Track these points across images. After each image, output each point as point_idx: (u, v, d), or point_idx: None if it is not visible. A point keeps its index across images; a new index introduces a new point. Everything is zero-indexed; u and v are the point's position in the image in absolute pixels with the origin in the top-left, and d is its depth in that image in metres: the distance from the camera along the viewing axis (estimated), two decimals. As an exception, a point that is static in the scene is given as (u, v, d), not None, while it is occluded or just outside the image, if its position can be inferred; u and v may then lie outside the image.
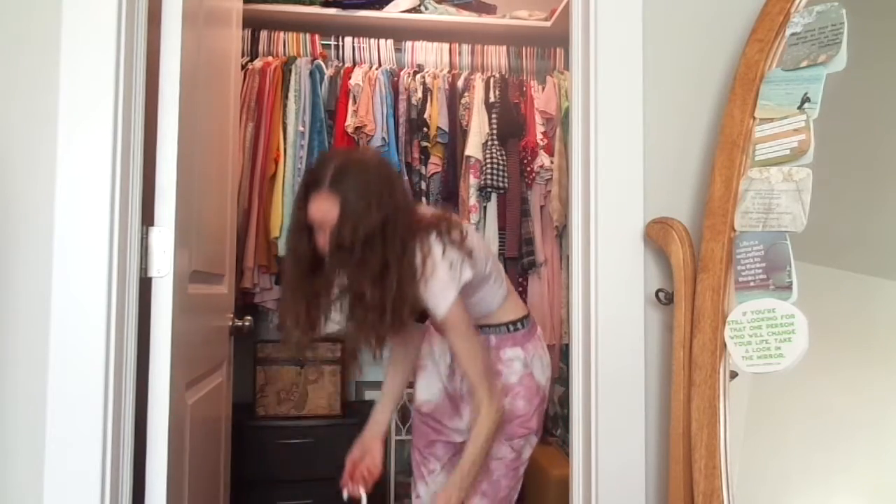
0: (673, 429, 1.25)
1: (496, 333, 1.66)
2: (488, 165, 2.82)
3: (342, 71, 2.84)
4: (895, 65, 1.29)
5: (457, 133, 2.87)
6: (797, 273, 1.14)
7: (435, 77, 2.91)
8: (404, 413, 2.75)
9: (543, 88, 3.00)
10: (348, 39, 2.93)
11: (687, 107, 1.43)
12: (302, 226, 1.49)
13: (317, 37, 2.94)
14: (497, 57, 3.04)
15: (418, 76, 2.89)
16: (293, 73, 2.81)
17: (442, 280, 1.45)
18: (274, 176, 2.76)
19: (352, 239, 1.40)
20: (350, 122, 2.74)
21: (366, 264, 1.41)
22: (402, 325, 1.46)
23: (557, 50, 3.04)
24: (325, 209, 1.42)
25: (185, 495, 1.60)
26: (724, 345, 1.20)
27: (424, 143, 2.85)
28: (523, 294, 2.87)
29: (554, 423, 2.92)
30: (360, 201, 1.41)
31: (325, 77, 2.83)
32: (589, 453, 1.39)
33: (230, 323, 2.04)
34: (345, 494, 1.64)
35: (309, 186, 1.46)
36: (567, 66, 2.53)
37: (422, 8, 2.95)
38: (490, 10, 3.10)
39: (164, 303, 1.42)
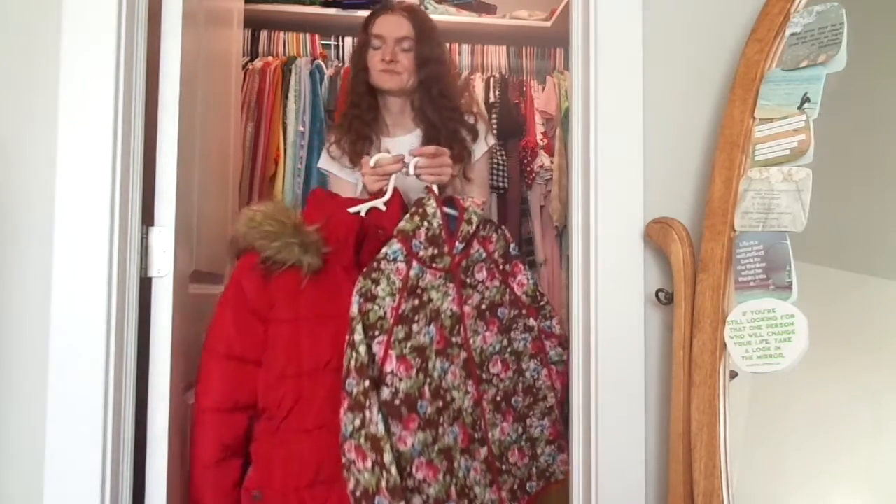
0: (673, 429, 1.25)
1: None
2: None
3: (342, 71, 2.85)
4: (895, 64, 1.29)
5: (457, 133, 2.87)
6: (797, 273, 1.14)
7: (435, 77, 2.90)
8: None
9: (543, 88, 3.01)
10: (348, 39, 2.93)
11: (687, 106, 1.43)
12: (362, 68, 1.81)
13: (317, 37, 2.94)
14: (497, 57, 3.05)
15: (418, 76, 2.89)
16: (293, 73, 2.81)
17: None
18: (274, 176, 2.76)
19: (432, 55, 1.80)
20: (350, 122, 2.74)
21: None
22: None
23: (557, 50, 3.05)
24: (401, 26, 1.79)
25: (185, 496, 1.60)
26: (724, 345, 1.20)
27: (424, 143, 2.85)
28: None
29: (554, 423, 2.92)
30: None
31: (325, 77, 2.83)
32: (589, 453, 1.39)
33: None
34: None
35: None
36: (567, 66, 2.54)
37: (421, 8, 2.95)
38: (490, 10, 3.11)
39: (164, 303, 1.42)
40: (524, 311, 1.70)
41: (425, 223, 1.54)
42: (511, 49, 3.06)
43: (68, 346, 1.27)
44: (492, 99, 2.92)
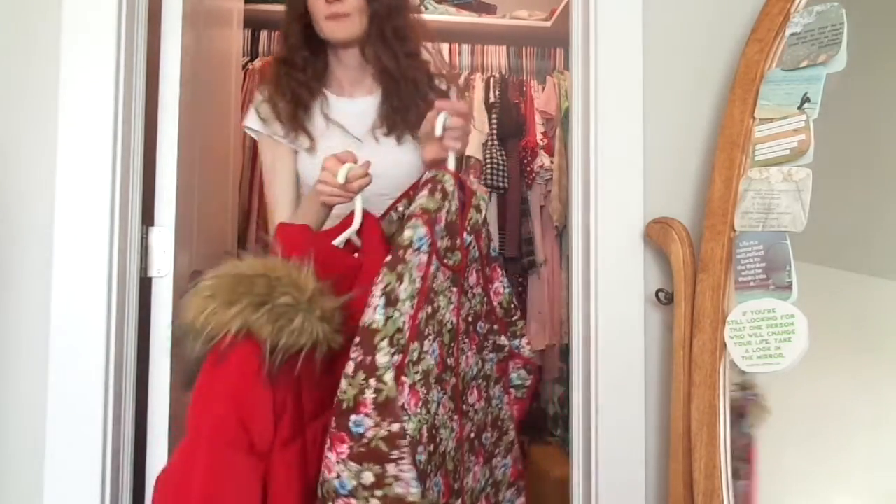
0: (673, 429, 1.25)
1: None
2: (488, 165, 2.82)
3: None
4: (895, 64, 1.29)
5: (457, 133, 2.87)
6: (797, 273, 1.14)
7: (435, 77, 2.91)
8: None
9: (543, 88, 3.01)
10: (348, 39, 2.93)
11: (687, 107, 1.43)
12: (299, 14, 1.46)
13: (317, 37, 2.93)
14: (497, 57, 3.05)
15: (418, 76, 2.89)
16: (293, 74, 2.80)
17: None
18: (274, 176, 2.75)
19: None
20: (350, 122, 2.74)
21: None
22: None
23: (557, 50, 3.05)
24: None
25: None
26: (724, 345, 1.20)
27: (424, 143, 2.85)
28: (523, 294, 2.87)
29: (554, 423, 2.92)
30: None
31: (325, 77, 2.82)
32: (589, 453, 1.39)
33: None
34: None
35: None
36: (567, 66, 2.54)
37: (422, 8, 2.95)
38: (490, 10, 3.11)
39: (164, 303, 1.43)
40: (495, 327, 1.34)
41: (447, 203, 1.15)
42: (511, 49, 3.06)
43: (68, 346, 1.27)
44: (492, 99, 2.92)
